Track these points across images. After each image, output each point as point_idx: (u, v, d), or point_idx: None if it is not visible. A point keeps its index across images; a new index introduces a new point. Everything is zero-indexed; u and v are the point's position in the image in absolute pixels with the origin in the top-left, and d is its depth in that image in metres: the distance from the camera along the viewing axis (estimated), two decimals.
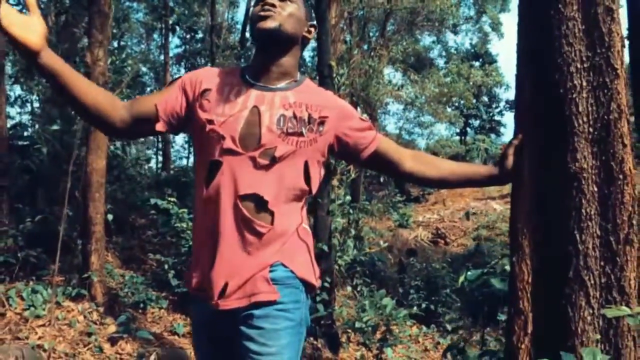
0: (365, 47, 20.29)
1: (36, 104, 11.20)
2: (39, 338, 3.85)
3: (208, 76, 1.59)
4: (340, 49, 8.56)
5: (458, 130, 34.73)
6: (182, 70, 26.03)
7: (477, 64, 29.75)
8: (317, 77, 6.09)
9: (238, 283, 1.45)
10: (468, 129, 35.91)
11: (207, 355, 1.60)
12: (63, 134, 6.97)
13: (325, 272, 5.78)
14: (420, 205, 23.40)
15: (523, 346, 2.13)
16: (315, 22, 1.66)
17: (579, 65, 2.16)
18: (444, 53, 29.86)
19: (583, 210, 2.06)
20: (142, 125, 1.56)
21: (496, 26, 27.15)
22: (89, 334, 4.18)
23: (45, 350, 3.69)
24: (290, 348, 1.47)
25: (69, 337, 4.05)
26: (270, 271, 1.47)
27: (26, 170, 6.95)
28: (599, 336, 1.97)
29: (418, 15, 20.13)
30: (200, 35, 23.47)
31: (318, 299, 5.63)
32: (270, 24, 1.49)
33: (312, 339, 5.68)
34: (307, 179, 1.55)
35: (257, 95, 1.53)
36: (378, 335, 5.29)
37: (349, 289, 6.90)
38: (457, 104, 28.16)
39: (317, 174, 1.58)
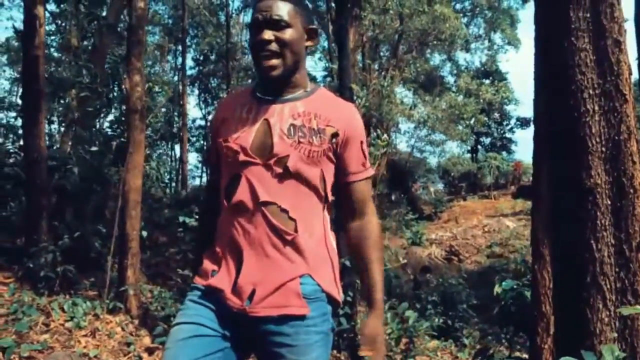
0: (376, 66, 20.69)
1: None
2: (84, 347, 4.09)
3: (225, 107, 1.65)
4: (357, 71, 8.82)
5: (469, 148, 34.74)
6: (196, 91, 26.50)
7: (487, 81, 29.88)
8: None
9: (267, 291, 1.45)
10: (479, 147, 35.89)
11: (186, 351, 1.46)
12: (92, 155, 7.29)
13: (348, 286, 5.97)
14: (433, 223, 23.41)
15: (546, 346, 2.34)
16: (314, 26, 1.61)
17: (591, 92, 2.40)
18: (454, 71, 30.12)
19: (598, 222, 2.28)
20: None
21: (507, 43, 27.37)
22: (128, 344, 4.42)
23: (89, 358, 3.92)
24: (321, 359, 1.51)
25: (109, 347, 4.28)
26: (300, 284, 1.48)
27: (55, 189, 7.24)
28: (615, 335, 2.18)
29: (429, 35, 20.50)
30: (213, 56, 24.00)
31: (341, 312, 5.82)
32: (276, 73, 1.50)
33: (335, 351, 5.86)
34: (325, 187, 1.55)
35: (267, 108, 1.54)
36: (400, 347, 5.47)
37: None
38: (468, 122, 28.30)
39: (329, 181, 1.57)
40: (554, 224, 2.42)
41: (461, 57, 29.39)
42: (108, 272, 4.88)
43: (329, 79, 24.11)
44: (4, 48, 25.83)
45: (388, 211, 22.49)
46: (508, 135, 35.72)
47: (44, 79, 5.84)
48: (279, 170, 1.47)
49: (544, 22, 2.65)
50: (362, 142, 1.59)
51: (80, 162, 7.03)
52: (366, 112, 7.65)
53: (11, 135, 8.35)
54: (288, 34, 1.49)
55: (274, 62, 1.48)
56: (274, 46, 1.48)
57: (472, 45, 28.71)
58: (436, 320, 5.69)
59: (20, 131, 9.53)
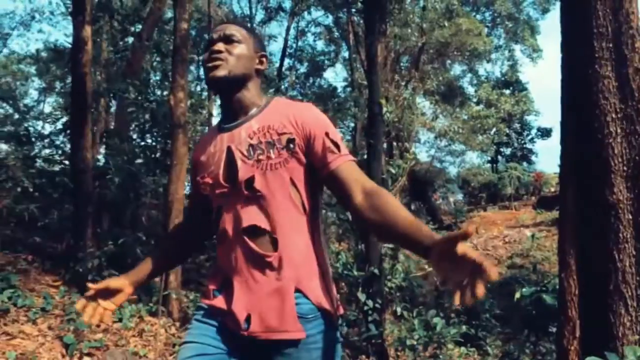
0: (397, 77, 20.91)
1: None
2: (134, 346, 4.39)
3: (200, 145, 1.70)
4: (386, 87, 9.06)
5: (489, 158, 34.66)
6: (218, 100, 26.99)
7: (507, 91, 29.86)
8: (368, 115, 6.64)
9: (262, 316, 1.47)
10: (499, 157, 35.77)
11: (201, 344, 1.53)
12: (130, 166, 7.65)
13: (376, 293, 6.22)
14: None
15: (572, 348, 2.57)
16: (265, 53, 1.67)
17: (613, 116, 2.64)
18: (474, 81, 30.18)
19: (620, 234, 2.51)
20: (207, 222, 1.69)
21: (528, 55, 27.39)
22: (173, 345, 4.71)
23: (140, 357, 4.22)
24: None
25: (155, 346, 4.57)
26: (296, 304, 1.47)
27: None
28: (637, 337, 2.40)
29: (449, 46, 20.70)
30: None
31: (370, 319, 6.06)
32: (219, 73, 1.54)
33: (363, 356, 6.10)
34: (298, 195, 1.53)
35: (228, 136, 1.57)
36: (428, 353, 5.69)
37: (397, 310, 7.30)
38: (488, 133, 28.26)
39: (306, 188, 1.55)
40: (579, 236, 2.65)
41: (481, 67, 29.41)
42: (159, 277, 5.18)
43: (349, 89, 24.42)
44: (34, 59, 26.48)
45: None
46: (528, 145, 35.55)
47: (91, 94, 6.21)
48: (249, 193, 1.49)
49: (570, 51, 2.90)
50: (326, 134, 1.54)
51: (119, 172, 7.38)
52: (389, 125, 7.89)
53: (55, 145, 8.74)
54: (238, 48, 1.58)
55: (220, 63, 1.54)
56: (223, 55, 1.55)
57: (493, 56, 28.81)
58: (463, 327, 5.88)
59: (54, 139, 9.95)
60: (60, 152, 9.10)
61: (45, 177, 6.92)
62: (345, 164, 1.51)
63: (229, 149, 1.55)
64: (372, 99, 6.28)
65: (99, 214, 7.76)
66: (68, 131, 10.38)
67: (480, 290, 1.11)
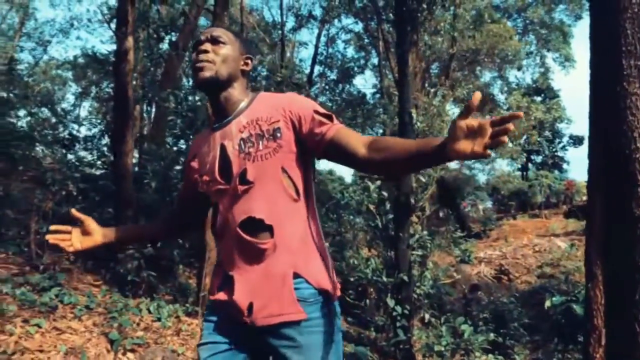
0: (426, 84, 20.91)
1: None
2: (172, 345, 4.60)
3: (195, 144, 1.78)
4: (416, 94, 9.15)
5: (520, 166, 34.26)
6: None
7: (538, 99, 29.52)
8: (398, 124, 6.76)
9: (263, 303, 1.51)
10: (530, 165, 35.32)
11: (217, 353, 1.60)
12: (167, 170, 7.92)
13: (405, 300, 6.33)
14: (482, 242, 23.22)
15: (598, 356, 2.66)
16: (251, 55, 1.73)
17: None
18: (505, 88, 29.92)
19: None
20: (191, 219, 1.87)
21: (560, 62, 27.05)
22: None
23: (178, 355, 4.42)
24: (330, 358, 1.55)
25: (192, 345, 4.77)
26: (295, 289, 1.52)
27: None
28: None
29: (479, 53, 20.62)
30: (264, 72, 24.84)
31: (398, 324, 6.17)
32: (206, 74, 1.61)
33: None
34: (291, 182, 1.59)
35: (220, 134, 1.64)
36: (455, 359, 5.77)
37: (425, 317, 7.40)
38: (519, 140, 27.94)
39: (299, 174, 1.61)
40: (606, 247, 2.74)
41: (512, 74, 29.15)
42: (174, 280, 5.40)
43: (378, 95, 24.51)
44: (71, 65, 27.17)
45: (436, 228, 22.50)
46: (560, 153, 35.05)
47: (132, 102, 6.50)
48: (243, 186, 1.55)
49: (599, 68, 3.00)
50: (315, 111, 1.59)
51: (156, 176, 7.66)
52: (419, 134, 7.98)
53: (96, 149, 9.09)
54: (224, 49, 1.65)
55: (206, 65, 1.61)
56: (209, 56, 1.62)
57: (524, 62, 28.55)
58: (491, 335, 5.94)
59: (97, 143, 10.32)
60: (99, 155, 9.47)
61: (89, 182, 7.23)
62: (340, 130, 1.56)
63: (222, 146, 1.62)
64: (403, 108, 6.41)
65: (136, 217, 8.07)
66: (107, 135, 10.77)
67: (505, 134, 1.18)
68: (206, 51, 1.62)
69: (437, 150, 1.31)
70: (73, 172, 7.17)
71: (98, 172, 8.07)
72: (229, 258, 1.59)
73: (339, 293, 1.64)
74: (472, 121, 1.20)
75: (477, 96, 1.22)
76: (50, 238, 1.69)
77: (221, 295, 1.59)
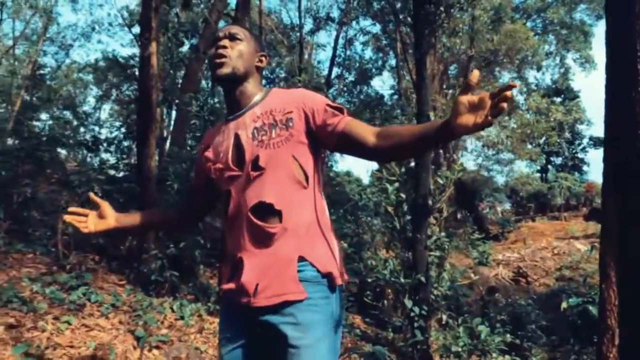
0: (444, 86, 20.90)
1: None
2: (195, 342, 4.74)
3: (208, 136, 1.86)
4: (434, 96, 9.19)
5: (539, 168, 33.97)
6: None
7: (558, 99, 29.24)
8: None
9: (267, 283, 1.56)
10: (549, 166, 34.98)
11: (231, 344, 1.66)
12: (189, 172, 8.08)
13: (422, 301, 6.40)
14: (500, 244, 23.08)
15: (611, 355, 2.73)
16: (265, 52, 1.85)
17: None
18: (524, 89, 29.70)
19: None
20: (200, 208, 1.93)
21: (581, 63, 26.78)
22: None
23: (201, 352, 4.56)
24: (326, 341, 1.56)
25: (214, 343, 4.90)
26: (299, 271, 1.57)
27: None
28: None
29: (498, 53, 20.56)
30: (282, 74, 25.01)
31: (415, 325, 6.24)
32: (224, 70, 1.71)
33: None
34: (301, 169, 1.66)
35: (234, 124, 1.73)
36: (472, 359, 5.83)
37: (442, 318, 7.45)
38: (538, 142, 27.72)
39: (309, 163, 1.68)
40: (620, 250, 2.80)
41: (531, 75, 28.96)
42: (195, 279, 5.53)
43: (395, 97, 24.55)
44: (92, 68, 27.53)
45: (454, 230, 22.42)
46: (580, 155, 34.66)
47: (156, 106, 6.67)
48: (255, 172, 1.62)
49: (615, 73, 3.06)
50: (327, 105, 1.68)
51: (178, 178, 7.82)
52: None
53: (120, 151, 9.30)
54: (241, 45, 1.75)
55: (225, 61, 1.70)
56: (227, 51, 1.72)
57: (543, 63, 28.34)
58: (508, 336, 5.99)
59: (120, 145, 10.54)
60: (120, 157, 9.68)
61: (113, 183, 7.42)
62: (350, 122, 1.65)
63: (236, 135, 1.70)
64: (421, 111, 6.48)
65: None
66: (128, 137, 10.98)
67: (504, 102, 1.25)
68: (224, 47, 1.72)
69: (443, 128, 1.39)
70: (97, 174, 7.36)
71: (120, 174, 8.25)
72: (239, 242, 1.63)
73: (345, 280, 1.68)
74: (473, 97, 1.29)
75: (476, 74, 1.31)
76: (67, 218, 1.78)
77: (229, 285, 1.65)
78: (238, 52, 1.73)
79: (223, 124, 1.79)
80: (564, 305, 3.67)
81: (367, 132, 1.60)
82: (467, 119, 1.30)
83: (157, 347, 4.27)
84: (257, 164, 1.62)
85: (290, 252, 1.58)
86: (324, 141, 1.68)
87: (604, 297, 2.79)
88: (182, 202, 1.98)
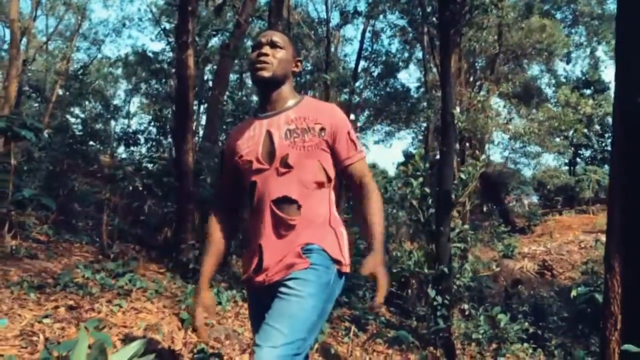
0: (471, 78, 20.90)
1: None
2: (232, 325, 5.13)
3: (236, 133, 2.00)
4: (460, 90, 9.38)
5: (567, 161, 33.59)
6: None
7: (587, 92, 28.86)
8: (441, 124, 7.11)
9: (280, 262, 1.78)
10: (578, 159, 34.54)
11: (260, 324, 1.80)
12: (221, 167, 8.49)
13: (445, 290, 6.69)
14: (526, 237, 23.08)
15: (613, 338, 3.01)
16: (300, 58, 2.03)
17: None
18: (553, 81, 29.41)
19: None
20: (238, 202, 2.07)
21: (611, 53, 26.34)
22: None
23: (238, 334, 4.95)
24: (315, 299, 1.72)
25: (249, 327, 5.29)
26: (306, 246, 1.79)
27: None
28: None
29: (526, 46, 20.47)
30: (309, 67, 25.30)
31: (438, 314, 6.55)
32: (265, 74, 1.87)
33: (431, 348, 6.58)
34: (324, 172, 1.87)
35: (267, 122, 1.90)
36: (492, 347, 6.12)
37: (463, 307, 7.73)
38: (566, 134, 27.44)
39: (330, 167, 1.89)
40: (624, 243, 3.07)
41: (560, 67, 28.66)
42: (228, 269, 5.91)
43: (422, 89, 24.61)
44: (123, 63, 28.03)
45: (479, 222, 22.48)
46: (610, 148, 34.04)
47: (192, 104, 7.08)
48: (283, 169, 1.80)
49: (623, 82, 3.31)
50: (348, 133, 1.91)
51: (211, 172, 8.25)
52: (462, 130, 8.29)
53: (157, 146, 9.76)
54: (281, 53, 1.92)
55: (266, 66, 1.87)
56: (269, 58, 1.88)
57: (573, 54, 28.02)
58: (524, 331, 6.24)
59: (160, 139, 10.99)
60: (154, 152, 10.14)
61: (154, 178, 7.87)
62: (357, 163, 1.91)
63: (268, 132, 1.86)
64: (446, 109, 6.75)
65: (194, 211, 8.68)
66: (159, 131, 11.42)
67: (377, 300, 1.70)
68: (266, 54, 1.88)
69: (368, 248, 1.78)
70: (139, 169, 7.81)
71: (156, 168, 8.67)
72: (260, 230, 1.83)
73: (347, 270, 1.88)
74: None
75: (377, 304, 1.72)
76: (201, 329, 1.95)
77: (251, 272, 1.85)
78: (278, 60, 1.89)
79: (253, 120, 1.96)
80: (573, 293, 3.95)
81: (358, 184, 1.91)
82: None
83: None
84: (286, 162, 1.80)
85: (304, 239, 1.79)
86: (332, 159, 1.91)
87: (608, 286, 3.07)
88: (224, 205, 2.07)
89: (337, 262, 1.81)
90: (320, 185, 1.85)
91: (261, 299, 1.83)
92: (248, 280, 1.88)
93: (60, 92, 24.50)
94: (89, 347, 2.05)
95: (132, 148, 9.29)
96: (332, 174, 1.88)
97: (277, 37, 1.93)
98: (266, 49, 1.89)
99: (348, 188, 1.96)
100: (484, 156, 6.29)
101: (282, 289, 1.72)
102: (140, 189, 7.52)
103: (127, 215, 8.56)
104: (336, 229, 1.87)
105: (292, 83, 1.97)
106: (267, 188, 1.81)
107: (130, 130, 10.79)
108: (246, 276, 1.89)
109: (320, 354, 5.09)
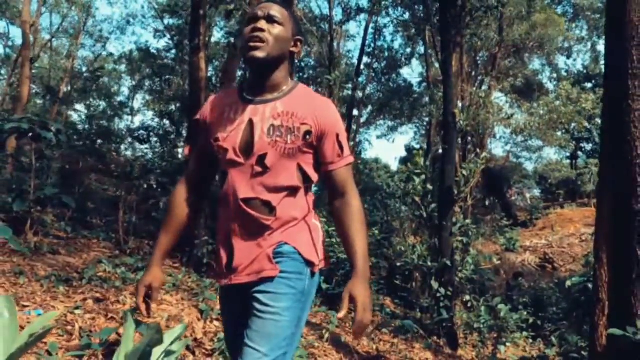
0: (473, 72, 21.12)
1: None
2: None
3: (214, 104, 1.79)
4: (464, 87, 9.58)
5: (569, 154, 33.81)
6: None
7: (589, 85, 29.02)
8: (442, 122, 7.39)
9: (247, 263, 1.65)
10: (580, 153, 34.75)
11: (229, 323, 1.83)
12: None
13: (448, 282, 6.99)
14: (528, 230, 23.30)
15: (601, 322, 3.30)
16: (301, 37, 1.77)
17: None
18: (554, 75, 29.58)
19: None
20: (207, 179, 1.90)
21: None
22: None
23: None
24: (291, 312, 1.64)
25: None
26: (276, 248, 1.66)
27: None
28: None
29: (527, 41, 20.68)
30: (312, 62, 25.50)
31: (441, 305, 6.85)
32: (259, 54, 1.62)
33: (435, 337, 6.89)
34: (306, 177, 1.72)
35: (252, 109, 1.68)
36: (492, 336, 6.42)
37: (465, 299, 8.03)
38: (567, 128, 27.60)
39: (311, 170, 1.73)
40: (612, 236, 3.36)
41: (562, 60, 28.82)
42: None
43: (424, 84, 24.83)
44: (127, 60, 28.18)
45: (482, 216, 22.72)
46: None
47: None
48: (259, 168, 1.63)
49: (610, 88, 3.59)
50: (337, 135, 1.72)
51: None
52: (463, 128, 8.55)
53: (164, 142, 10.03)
54: (278, 29, 1.67)
55: (260, 45, 1.62)
56: (264, 35, 1.64)
57: (574, 49, 28.18)
58: (525, 322, 6.53)
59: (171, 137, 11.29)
60: (165, 149, 10.44)
61: (167, 176, 8.17)
62: (341, 169, 1.74)
63: (250, 121, 1.67)
64: (447, 109, 7.02)
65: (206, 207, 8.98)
66: (161, 127, 11.71)
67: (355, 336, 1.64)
68: (262, 29, 1.64)
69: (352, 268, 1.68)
70: (152, 167, 8.10)
71: (167, 166, 8.97)
72: (230, 226, 1.69)
73: (323, 265, 1.77)
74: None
75: (340, 316, 1.61)
76: (142, 307, 1.82)
77: (220, 270, 1.73)
78: (274, 37, 1.66)
79: (236, 100, 1.74)
80: (568, 283, 4.25)
81: (339, 192, 1.75)
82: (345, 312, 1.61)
83: (218, 320, 4.96)
84: (263, 161, 1.64)
85: (276, 240, 1.67)
86: (318, 164, 1.76)
87: (597, 275, 3.37)
88: (191, 175, 1.87)
89: (311, 263, 1.70)
90: (296, 187, 1.70)
91: (231, 297, 1.77)
92: (216, 277, 1.78)
93: (64, 89, 24.75)
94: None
95: (143, 146, 9.56)
96: (313, 176, 1.74)
97: (276, 11, 1.69)
98: (262, 24, 1.66)
99: (326, 189, 1.81)
100: (485, 154, 6.55)
101: (257, 305, 1.63)
102: (154, 186, 7.80)
103: (140, 212, 8.88)
104: (309, 223, 1.76)
105: (288, 65, 1.75)
106: (238, 184, 1.65)
107: (140, 127, 11.06)
108: (215, 274, 1.81)
109: (330, 344, 5.39)
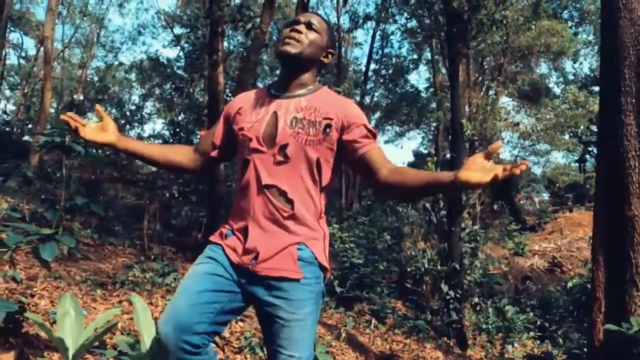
0: (479, 78, 21.35)
1: None
2: None
3: (242, 99, 1.89)
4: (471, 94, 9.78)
5: (577, 158, 33.88)
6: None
7: (596, 88, 29.08)
8: (451, 131, 7.72)
9: (268, 254, 1.66)
10: (588, 156, 34.78)
11: (199, 276, 1.71)
12: None
13: (457, 285, 7.30)
14: (536, 235, 23.38)
15: (599, 319, 3.61)
16: (333, 51, 1.87)
17: (633, 153, 3.65)
18: (561, 79, 29.71)
19: (635, 240, 3.53)
20: (209, 159, 1.93)
21: None
22: None
23: None
24: (312, 315, 1.73)
25: None
26: (299, 251, 1.70)
27: None
28: None
29: (533, 48, 20.91)
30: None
31: (451, 307, 7.16)
32: (291, 49, 1.73)
33: (445, 338, 7.19)
34: (320, 174, 1.74)
35: (277, 103, 1.76)
36: (499, 336, 6.72)
37: (473, 301, 8.32)
38: (575, 131, 27.73)
39: (328, 170, 1.76)
40: (607, 240, 3.68)
41: (568, 64, 28.94)
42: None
43: (431, 89, 25.11)
44: (138, 69, 28.56)
45: (490, 221, 22.84)
46: None
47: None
48: (280, 157, 1.69)
49: (605, 103, 3.91)
50: (364, 125, 1.74)
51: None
52: (471, 137, 8.87)
53: None
54: (315, 35, 1.78)
55: (295, 43, 1.74)
56: (300, 36, 1.75)
57: (581, 52, 28.32)
58: (532, 324, 6.82)
59: None
60: None
61: (187, 185, 8.55)
62: (376, 149, 1.74)
63: (274, 113, 1.74)
64: (455, 119, 7.36)
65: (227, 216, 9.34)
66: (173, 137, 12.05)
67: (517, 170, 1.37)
68: (299, 31, 1.76)
69: (447, 178, 1.54)
70: (177, 179, 8.47)
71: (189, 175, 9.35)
72: (247, 211, 1.72)
73: (329, 275, 1.83)
74: (486, 162, 1.44)
75: (498, 145, 1.45)
76: (64, 116, 1.81)
77: (231, 241, 1.74)
78: (310, 40, 1.77)
79: (264, 93, 1.84)
80: (569, 284, 4.57)
81: (383, 165, 1.71)
82: (473, 175, 1.44)
83: (242, 320, 5.31)
84: (284, 151, 1.69)
85: (294, 236, 1.70)
86: (345, 153, 1.76)
87: (594, 276, 3.69)
88: (197, 149, 1.95)
89: (325, 269, 1.77)
90: (314, 183, 1.74)
91: (231, 268, 1.71)
92: (222, 247, 1.75)
93: (77, 98, 25.22)
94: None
95: None
96: (327, 175, 1.77)
97: (316, 20, 1.82)
98: (301, 27, 1.78)
99: (366, 178, 1.77)
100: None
101: (282, 314, 1.67)
102: (176, 195, 8.17)
103: (162, 219, 9.26)
104: (325, 230, 1.81)
105: (316, 71, 1.85)
106: (260, 171, 1.70)
107: (151, 136, 11.39)
108: (224, 245, 1.75)
109: (347, 343, 5.72)
